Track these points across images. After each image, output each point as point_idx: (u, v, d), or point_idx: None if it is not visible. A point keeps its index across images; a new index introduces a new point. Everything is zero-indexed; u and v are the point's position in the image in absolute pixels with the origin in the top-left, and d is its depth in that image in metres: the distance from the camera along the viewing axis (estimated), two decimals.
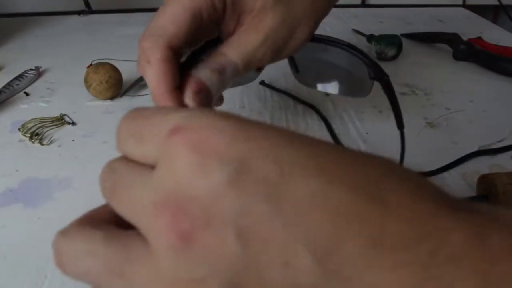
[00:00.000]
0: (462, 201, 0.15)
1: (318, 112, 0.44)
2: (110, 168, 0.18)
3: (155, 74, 0.26)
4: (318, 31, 0.37)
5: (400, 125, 0.34)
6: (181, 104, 0.26)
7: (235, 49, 0.28)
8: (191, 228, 0.14)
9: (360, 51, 0.35)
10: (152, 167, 0.16)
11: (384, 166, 0.15)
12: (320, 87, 0.39)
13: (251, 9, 0.29)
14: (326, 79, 0.39)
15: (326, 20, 0.36)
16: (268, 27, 0.29)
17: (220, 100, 0.33)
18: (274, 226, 0.13)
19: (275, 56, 0.30)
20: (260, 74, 0.37)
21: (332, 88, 0.39)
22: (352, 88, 0.38)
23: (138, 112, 0.18)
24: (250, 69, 0.29)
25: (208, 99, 0.27)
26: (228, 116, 0.15)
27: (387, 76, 0.35)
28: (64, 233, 0.18)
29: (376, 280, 0.12)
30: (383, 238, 0.13)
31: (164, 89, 0.26)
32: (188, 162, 0.14)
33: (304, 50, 0.34)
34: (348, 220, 0.13)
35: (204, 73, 0.27)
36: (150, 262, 0.15)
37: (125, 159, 0.18)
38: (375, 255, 0.13)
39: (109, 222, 0.18)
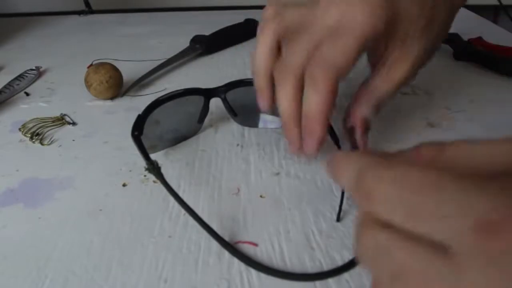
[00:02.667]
0: None
1: None
2: (386, 245, 0.15)
3: (323, 102, 0.28)
4: None
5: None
6: (325, 134, 0.30)
7: (391, 81, 0.32)
8: None
9: None
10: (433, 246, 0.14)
11: None
12: (261, 124, 0.42)
13: (401, 38, 0.30)
14: (261, 117, 0.42)
15: None
16: (416, 56, 0.31)
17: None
18: None
19: (416, 73, 0.33)
20: None
21: (272, 122, 0.42)
22: None
23: (394, 177, 0.15)
24: (400, 90, 0.33)
25: (367, 128, 0.34)
26: None
27: None
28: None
29: None
30: None
31: (326, 117, 0.29)
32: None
33: (236, 94, 0.39)
34: None
35: (366, 112, 0.33)
36: None
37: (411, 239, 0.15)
38: None
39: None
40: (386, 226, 0.16)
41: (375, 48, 0.32)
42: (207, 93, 0.39)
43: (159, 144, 0.38)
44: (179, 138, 0.40)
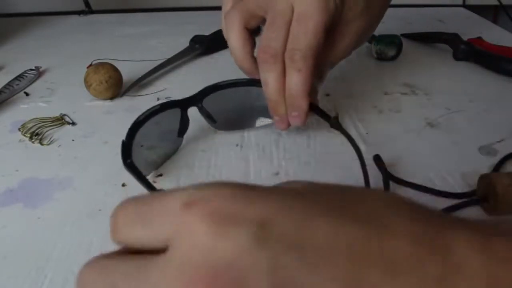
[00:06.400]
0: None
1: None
2: (102, 267, 0.17)
3: (305, 83, 0.34)
4: None
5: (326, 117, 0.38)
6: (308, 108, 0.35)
7: (333, 53, 0.37)
8: None
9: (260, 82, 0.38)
10: (160, 250, 0.15)
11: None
12: (242, 127, 0.42)
13: (345, 17, 0.36)
14: (243, 118, 0.41)
15: None
16: (357, 33, 0.37)
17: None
18: (305, 272, 0.14)
19: (352, 50, 0.39)
20: None
21: (252, 122, 0.42)
22: (270, 115, 0.39)
23: (136, 200, 0.17)
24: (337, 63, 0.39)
25: (312, 95, 0.37)
26: (233, 185, 0.16)
27: None
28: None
29: None
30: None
31: (308, 94, 0.34)
32: (208, 232, 0.14)
33: (213, 99, 0.38)
34: (363, 257, 0.14)
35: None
36: None
37: (123, 252, 0.17)
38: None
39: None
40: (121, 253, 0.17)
41: None
42: (183, 104, 0.36)
43: (148, 168, 0.36)
44: (167, 155, 0.38)
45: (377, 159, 0.35)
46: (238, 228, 0.14)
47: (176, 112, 0.36)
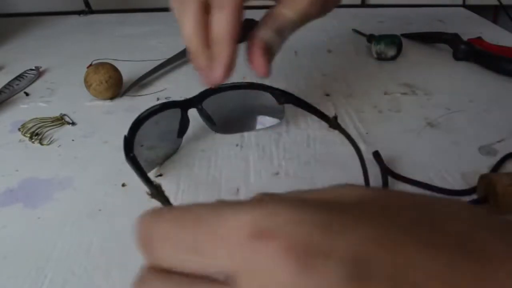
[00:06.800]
0: None
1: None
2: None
3: (228, 21, 0.27)
4: (319, 32, 0.37)
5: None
6: (232, 58, 0.28)
7: (292, 8, 0.31)
8: None
9: (260, 85, 0.37)
10: (214, 281, 0.14)
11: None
12: (240, 130, 0.41)
13: None
14: (242, 121, 0.41)
15: (326, 21, 0.37)
16: None
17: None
18: None
19: (322, 10, 0.33)
20: None
21: (251, 125, 0.42)
22: (269, 118, 0.40)
23: (171, 215, 0.15)
24: (304, 24, 0.32)
25: (271, 57, 0.31)
26: (302, 204, 0.14)
27: (290, 94, 0.39)
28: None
29: None
30: None
31: (232, 38, 0.27)
32: (291, 270, 0.12)
33: (213, 101, 0.38)
34: None
35: (267, 35, 0.31)
36: None
37: (170, 273, 0.15)
38: None
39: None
40: (167, 273, 0.15)
41: None
42: (183, 105, 0.36)
43: (148, 167, 0.35)
44: (167, 155, 0.38)
45: (376, 155, 0.36)
46: (328, 265, 0.12)
47: (176, 112, 0.36)
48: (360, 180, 0.34)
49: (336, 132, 0.38)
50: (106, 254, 0.28)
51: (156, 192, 0.25)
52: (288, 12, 0.31)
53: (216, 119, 0.39)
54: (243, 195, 0.33)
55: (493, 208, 0.30)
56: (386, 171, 0.34)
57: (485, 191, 0.31)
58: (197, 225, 0.14)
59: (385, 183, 0.33)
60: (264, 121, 0.41)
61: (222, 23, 0.27)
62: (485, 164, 0.36)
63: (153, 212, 0.16)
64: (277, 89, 0.39)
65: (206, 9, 0.28)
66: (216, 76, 0.28)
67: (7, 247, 0.29)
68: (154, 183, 0.26)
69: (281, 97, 0.39)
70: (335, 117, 0.37)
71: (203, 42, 0.28)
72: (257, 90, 0.38)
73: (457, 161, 0.37)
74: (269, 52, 0.31)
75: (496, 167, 0.35)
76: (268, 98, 0.39)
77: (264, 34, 0.31)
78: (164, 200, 0.25)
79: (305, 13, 0.31)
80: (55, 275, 0.27)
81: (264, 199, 0.14)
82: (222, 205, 0.14)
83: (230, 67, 0.28)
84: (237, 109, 0.40)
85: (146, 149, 0.35)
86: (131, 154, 0.29)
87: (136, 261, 0.28)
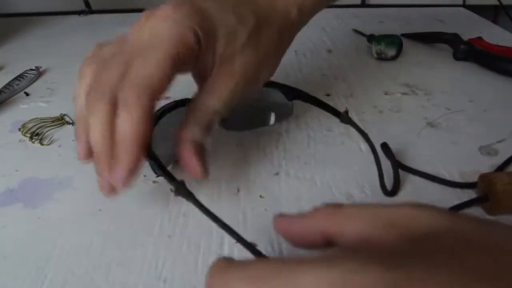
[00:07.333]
0: None
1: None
2: None
3: (132, 121, 0.25)
4: (319, 32, 0.37)
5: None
6: (135, 162, 0.25)
7: (216, 98, 0.29)
8: None
9: (269, 82, 0.37)
10: None
11: None
12: (250, 127, 0.41)
13: (221, 53, 0.29)
14: (252, 118, 0.41)
15: (326, 20, 0.37)
16: (243, 72, 0.30)
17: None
18: None
19: (246, 95, 0.31)
20: None
21: (261, 122, 0.42)
22: (278, 114, 0.40)
23: (244, 272, 0.16)
24: (228, 112, 0.30)
25: (205, 154, 0.29)
26: (375, 265, 0.15)
27: (299, 90, 0.40)
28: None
29: None
30: None
31: (136, 139, 0.25)
32: None
33: None
34: None
35: (196, 134, 0.29)
36: None
37: None
38: None
39: None
40: None
41: (200, 66, 0.30)
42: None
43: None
44: (170, 156, 0.36)
45: (385, 146, 0.36)
46: None
47: (182, 112, 0.37)
48: (361, 181, 0.34)
49: (336, 132, 0.38)
50: (106, 254, 0.28)
51: (182, 188, 0.26)
52: (213, 103, 0.29)
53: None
54: (243, 195, 0.33)
55: (494, 207, 0.30)
56: (396, 164, 0.34)
57: (485, 190, 0.31)
58: (271, 280, 0.15)
59: (396, 176, 0.34)
60: (273, 117, 0.41)
61: (125, 123, 0.24)
62: (485, 164, 0.36)
63: (224, 267, 0.16)
64: (286, 85, 0.40)
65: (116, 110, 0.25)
66: (116, 179, 0.25)
67: (7, 247, 0.29)
68: (178, 180, 0.26)
69: (291, 93, 0.39)
70: (346, 112, 0.37)
71: (110, 145, 0.25)
72: (266, 87, 0.38)
73: (457, 161, 0.37)
74: (202, 150, 0.29)
75: (501, 168, 0.35)
76: (277, 95, 0.40)
77: (192, 133, 0.29)
78: (189, 196, 0.25)
79: (229, 103, 0.30)
80: (55, 275, 0.27)
81: (338, 256, 0.16)
82: (294, 261, 0.16)
83: (132, 171, 0.25)
84: (246, 106, 0.40)
85: (156, 148, 0.35)
86: (152, 152, 0.28)
87: (136, 261, 0.27)
